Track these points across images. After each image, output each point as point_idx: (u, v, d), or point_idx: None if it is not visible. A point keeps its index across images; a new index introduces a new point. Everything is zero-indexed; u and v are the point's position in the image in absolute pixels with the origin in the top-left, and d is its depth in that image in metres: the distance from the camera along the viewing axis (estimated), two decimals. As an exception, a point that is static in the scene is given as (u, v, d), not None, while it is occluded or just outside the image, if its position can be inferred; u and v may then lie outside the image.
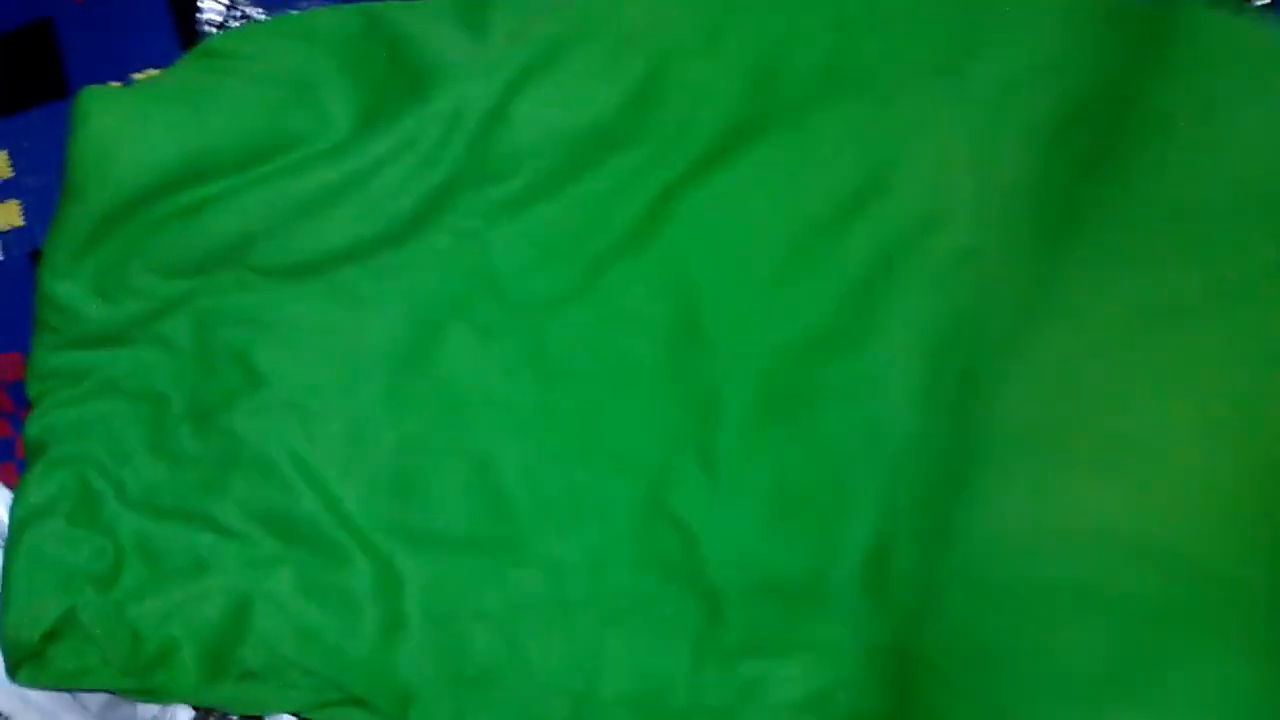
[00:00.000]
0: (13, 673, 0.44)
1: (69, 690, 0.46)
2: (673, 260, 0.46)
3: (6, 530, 0.46)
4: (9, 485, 0.48)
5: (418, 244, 0.46)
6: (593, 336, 0.46)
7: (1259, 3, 0.47)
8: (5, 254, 0.51)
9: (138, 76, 0.50)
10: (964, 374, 0.44)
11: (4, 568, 0.44)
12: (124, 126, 0.44)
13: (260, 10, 0.50)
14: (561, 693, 0.45)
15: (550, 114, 0.45)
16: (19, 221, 0.51)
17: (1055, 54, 0.44)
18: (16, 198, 0.51)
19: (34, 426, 0.46)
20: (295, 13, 0.47)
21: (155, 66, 0.50)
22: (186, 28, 0.50)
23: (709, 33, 0.45)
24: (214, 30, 0.50)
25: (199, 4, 0.50)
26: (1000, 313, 0.44)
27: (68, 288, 0.45)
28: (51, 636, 0.44)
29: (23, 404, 0.48)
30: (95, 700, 0.47)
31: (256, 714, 0.46)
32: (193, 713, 0.47)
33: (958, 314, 0.44)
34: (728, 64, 0.45)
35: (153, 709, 0.47)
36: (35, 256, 0.50)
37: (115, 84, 0.50)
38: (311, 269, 0.46)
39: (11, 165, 0.50)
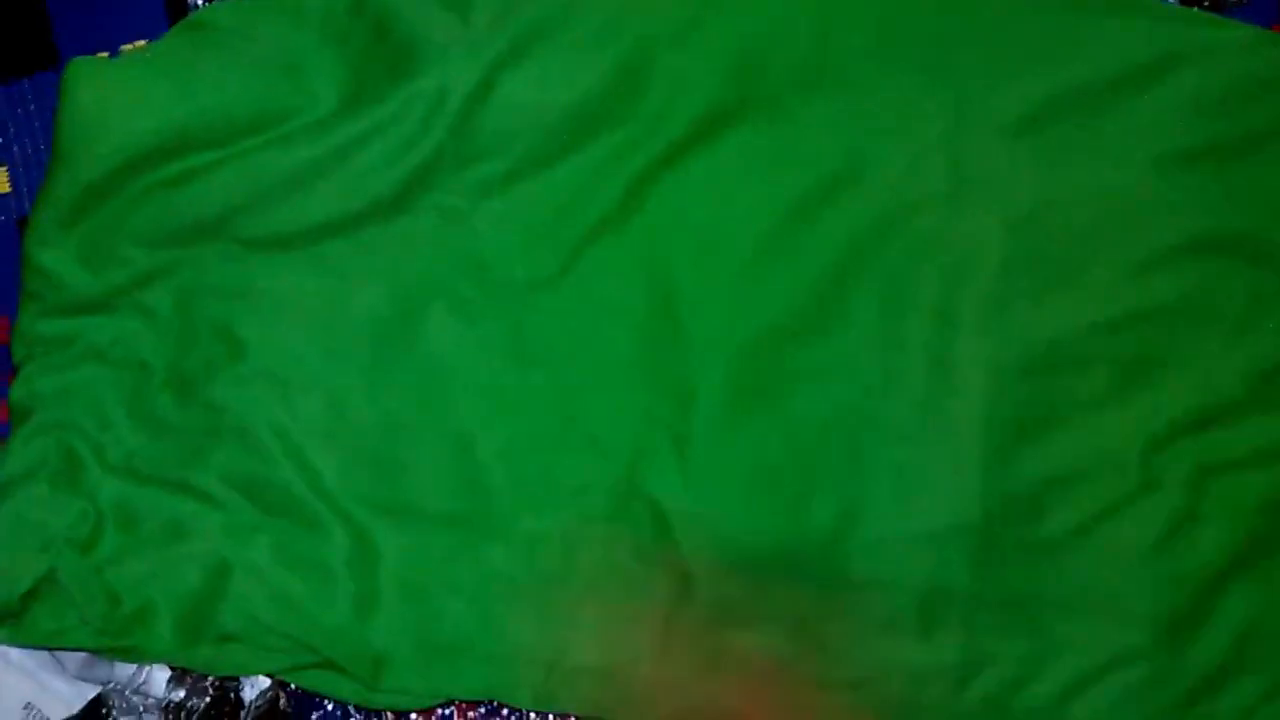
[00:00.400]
0: (-7, 632, 0.45)
1: (48, 649, 0.47)
2: (649, 244, 0.46)
3: None
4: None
5: (402, 221, 0.46)
6: (571, 320, 0.46)
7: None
8: (-8, 221, 0.51)
9: (127, 48, 0.50)
10: (931, 359, 0.45)
11: (-14, 530, 0.45)
12: (111, 99, 0.45)
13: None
14: (531, 662, 0.46)
15: (532, 96, 0.45)
16: (6, 189, 0.51)
17: (1036, 45, 0.45)
18: (4, 165, 0.51)
19: (18, 391, 0.47)
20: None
21: (144, 38, 0.50)
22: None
23: (691, 21, 0.45)
24: (202, 3, 0.51)
25: (188, -23, 0.51)
26: (970, 300, 0.45)
27: (53, 256, 0.46)
28: (31, 597, 0.45)
29: (7, 369, 0.49)
30: (73, 660, 0.47)
31: (232, 675, 0.47)
32: (169, 672, 0.48)
33: (926, 301, 0.45)
34: (709, 52, 0.45)
35: (129, 668, 0.47)
36: (22, 224, 0.51)
37: (104, 55, 0.50)
38: (295, 242, 0.46)
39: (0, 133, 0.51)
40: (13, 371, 0.47)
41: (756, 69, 0.45)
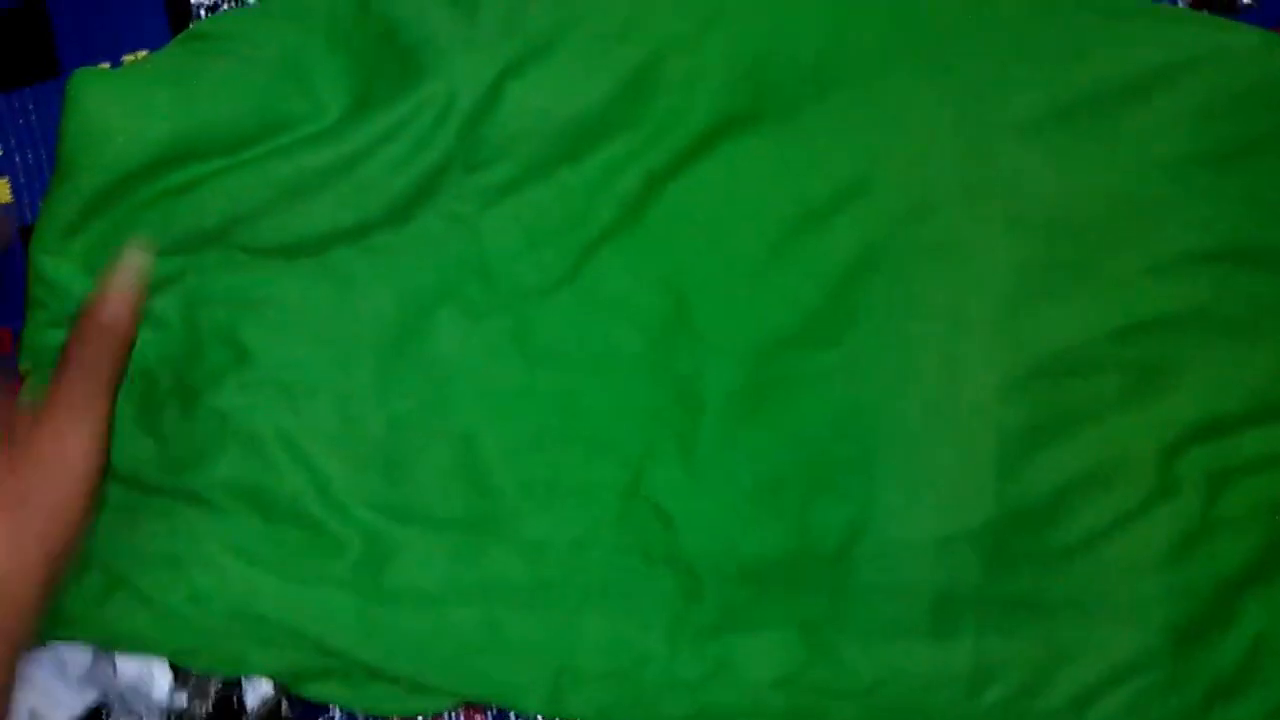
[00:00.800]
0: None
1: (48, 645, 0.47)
2: (659, 249, 0.46)
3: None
4: None
5: (409, 227, 0.46)
6: (578, 323, 0.46)
7: (1245, 1, 0.48)
8: (-3, 231, 0.51)
9: (128, 58, 0.50)
10: (942, 363, 0.45)
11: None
12: (115, 107, 0.45)
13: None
14: (539, 666, 0.45)
15: (542, 101, 0.45)
16: (8, 198, 0.51)
17: (1045, 48, 0.44)
18: (6, 176, 0.51)
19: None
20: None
21: (147, 48, 0.50)
22: (179, 9, 0.50)
23: (701, 25, 0.45)
24: (205, 13, 0.51)
25: (193, -13, 0.51)
26: (981, 305, 0.45)
27: (58, 265, 0.45)
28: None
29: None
30: (77, 665, 0.47)
31: (235, 675, 0.47)
32: (171, 677, 0.48)
33: (936, 305, 0.45)
34: (719, 58, 0.45)
35: (132, 674, 0.47)
36: (25, 233, 0.51)
37: (106, 65, 0.50)
38: (302, 250, 0.46)
39: (1, 143, 0.51)
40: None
41: (767, 74, 0.45)
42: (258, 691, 0.48)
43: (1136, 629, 0.44)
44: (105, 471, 0.37)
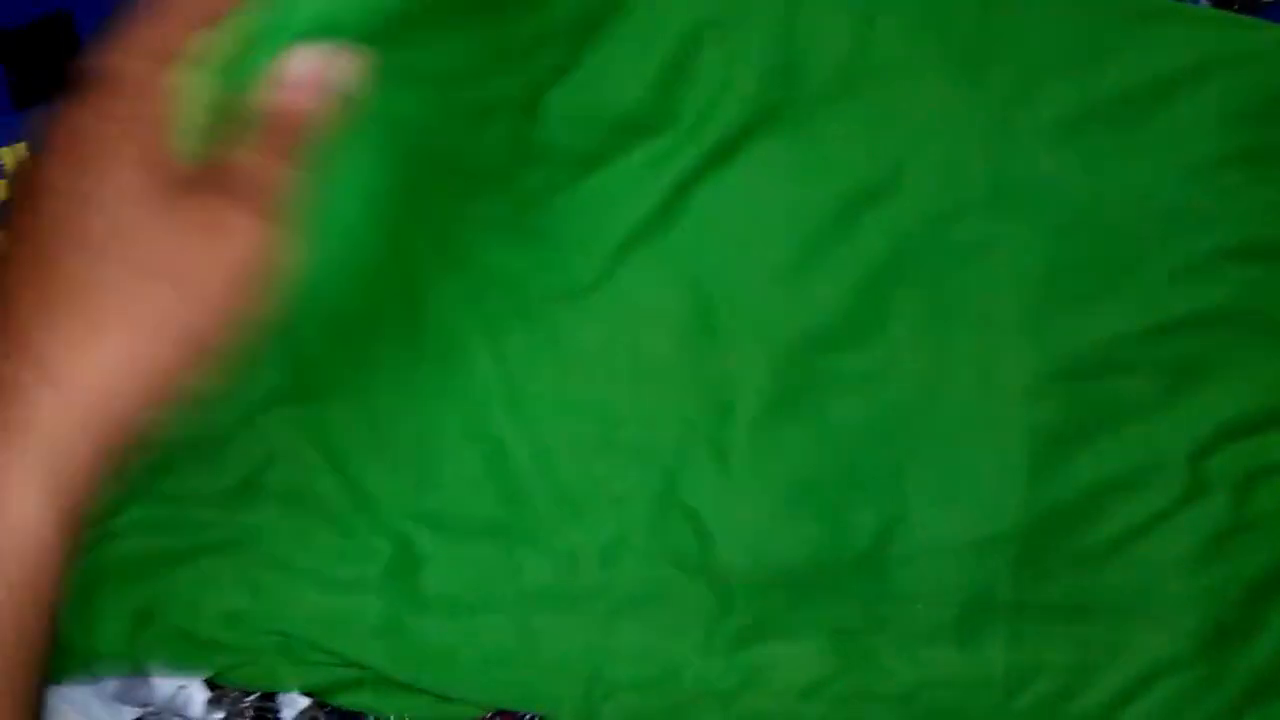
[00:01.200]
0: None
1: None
2: (688, 252, 0.46)
3: None
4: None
5: None
6: (608, 329, 0.46)
7: (1267, -1, 0.48)
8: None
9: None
10: (973, 366, 0.44)
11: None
12: None
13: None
14: (571, 676, 0.45)
15: (580, 103, 0.45)
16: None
17: (1073, 50, 0.44)
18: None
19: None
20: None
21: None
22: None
23: (731, 26, 0.45)
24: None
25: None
26: (1012, 307, 0.44)
27: None
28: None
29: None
30: (111, 682, 0.47)
31: (270, 689, 0.47)
32: (208, 694, 0.48)
33: (967, 307, 0.45)
34: (748, 58, 0.45)
35: (168, 691, 0.47)
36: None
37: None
38: None
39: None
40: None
41: (795, 75, 0.45)
42: (294, 704, 0.48)
43: (1169, 631, 0.44)
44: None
